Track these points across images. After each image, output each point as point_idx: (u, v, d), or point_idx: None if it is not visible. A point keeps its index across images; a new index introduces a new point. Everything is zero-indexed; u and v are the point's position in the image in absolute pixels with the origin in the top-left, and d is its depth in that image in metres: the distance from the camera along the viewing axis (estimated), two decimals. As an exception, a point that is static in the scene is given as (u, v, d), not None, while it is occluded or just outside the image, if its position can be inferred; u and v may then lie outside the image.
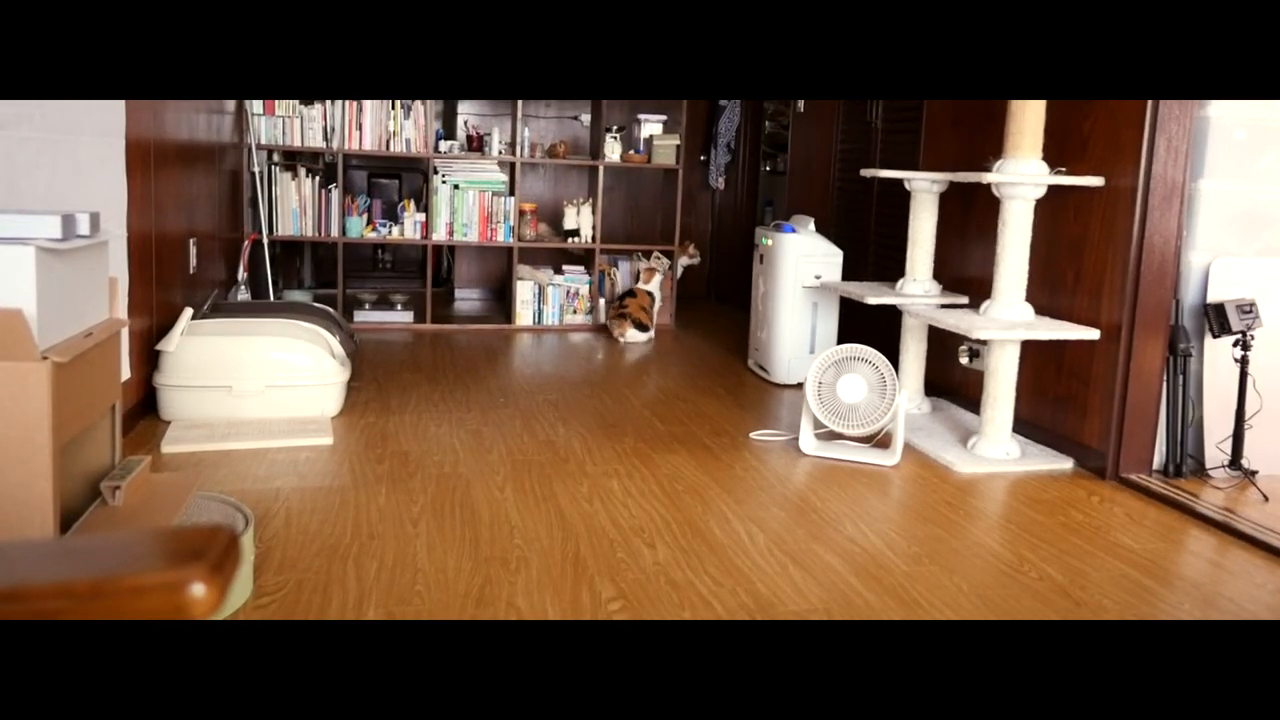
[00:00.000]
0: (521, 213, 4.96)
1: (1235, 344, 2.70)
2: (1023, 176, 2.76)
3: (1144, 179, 2.65)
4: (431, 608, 1.78)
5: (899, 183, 3.60)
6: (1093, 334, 2.75)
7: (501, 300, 5.51)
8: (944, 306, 3.21)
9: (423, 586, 1.87)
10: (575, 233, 5.06)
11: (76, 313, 1.62)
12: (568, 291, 5.03)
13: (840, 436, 2.94)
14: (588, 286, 5.05)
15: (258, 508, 2.23)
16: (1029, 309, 2.86)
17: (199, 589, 0.69)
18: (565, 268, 5.10)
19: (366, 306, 4.84)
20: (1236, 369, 2.71)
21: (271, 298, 4.32)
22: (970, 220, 3.43)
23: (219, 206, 3.94)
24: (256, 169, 4.45)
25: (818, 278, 3.79)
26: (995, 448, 2.84)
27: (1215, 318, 2.70)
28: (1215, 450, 2.76)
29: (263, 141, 4.53)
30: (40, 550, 0.77)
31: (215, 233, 3.85)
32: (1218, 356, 2.77)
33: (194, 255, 3.44)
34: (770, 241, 3.88)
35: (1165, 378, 2.74)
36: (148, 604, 0.69)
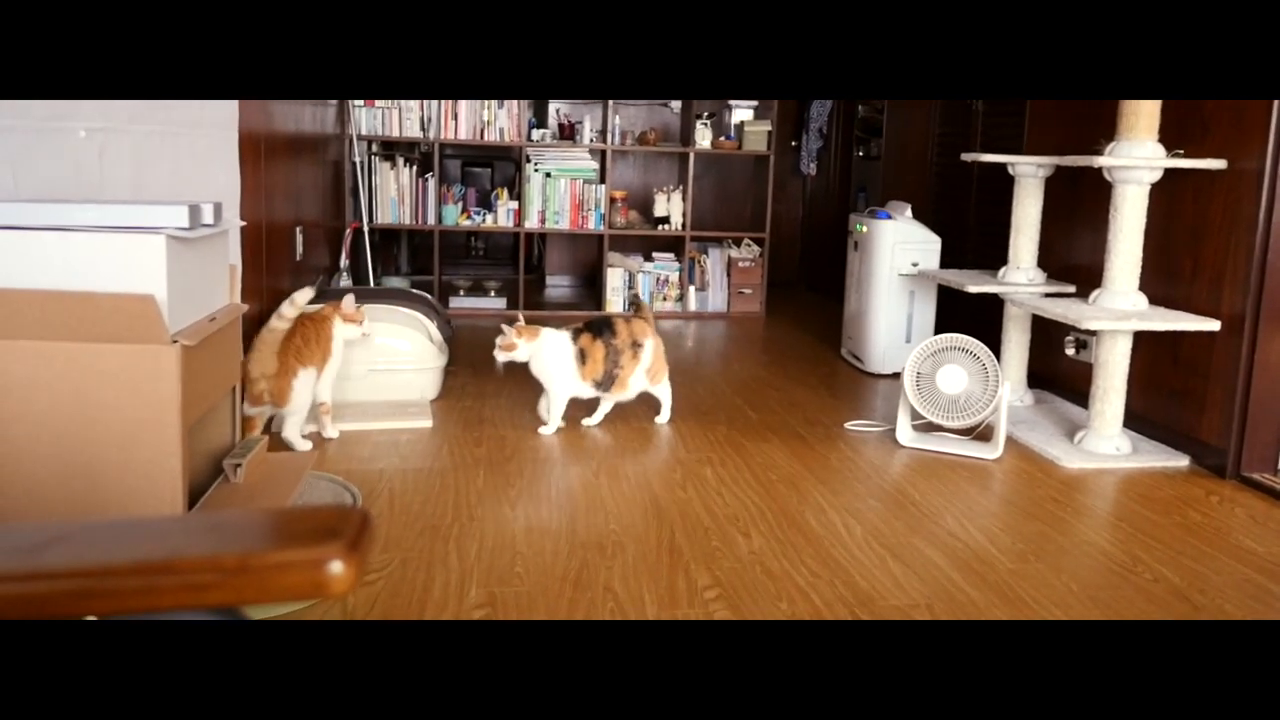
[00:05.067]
0: (612, 200, 4.98)
1: (1372, 337, 2.53)
2: (1138, 160, 2.64)
3: (1272, 161, 2.50)
4: (531, 589, 1.81)
5: (1001, 167, 3.48)
6: (1213, 325, 2.62)
7: (592, 287, 5.55)
8: (1049, 295, 3.10)
9: (522, 568, 1.91)
10: (665, 220, 5.06)
11: (202, 298, 1.69)
12: (657, 279, 5.03)
13: (939, 428, 2.87)
14: (677, 274, 5.05)
15: (362, 487, 2.31)
16: (1142, 298, 2.74)
17: (337, 566, 0.71)
18: (655, 255, 5.11)
19: (461, 293, 4.94)
20: (1373, 363, 2.54)
21: (372, 284, 4.45)
22: (1078, 206, 3.30)
23: (323, 196, 4.07)
24: (357, 159, 4.58)
25: (915, 265, 3.71)
26: (1105, 442, 2.73)
27: (1350, 309, 2.54)
28: (1347, 449, 2.60)
29: (363, 132, 4.66)
30: (187, 525, 0.81)
31: (320, 221, 3.98)
32: (1352, 350, 2.60)
33: (300, 243, 3.56)
34: (865, 228, 3.81)
35: (1292, 372, 2.59)
36: (290, 580, 0.72)
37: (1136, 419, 2.92)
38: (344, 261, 4.28)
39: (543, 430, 2.83)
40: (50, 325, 1.47)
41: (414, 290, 3.79)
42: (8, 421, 1.48)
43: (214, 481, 1.76)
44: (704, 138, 5.01)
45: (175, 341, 1.52)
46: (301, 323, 2.54)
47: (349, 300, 2.63)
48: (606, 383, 2.82)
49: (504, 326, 2.75)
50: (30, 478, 1.49)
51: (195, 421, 1.63)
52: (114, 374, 1.49)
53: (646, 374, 2.88)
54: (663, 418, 2.98)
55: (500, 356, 2.75)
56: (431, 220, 4.83)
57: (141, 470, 1.51)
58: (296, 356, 2.47)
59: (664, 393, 2.97)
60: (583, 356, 2.76)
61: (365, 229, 4.52)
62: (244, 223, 2.59)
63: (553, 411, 2.83)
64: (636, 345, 2.83)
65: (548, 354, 2.76)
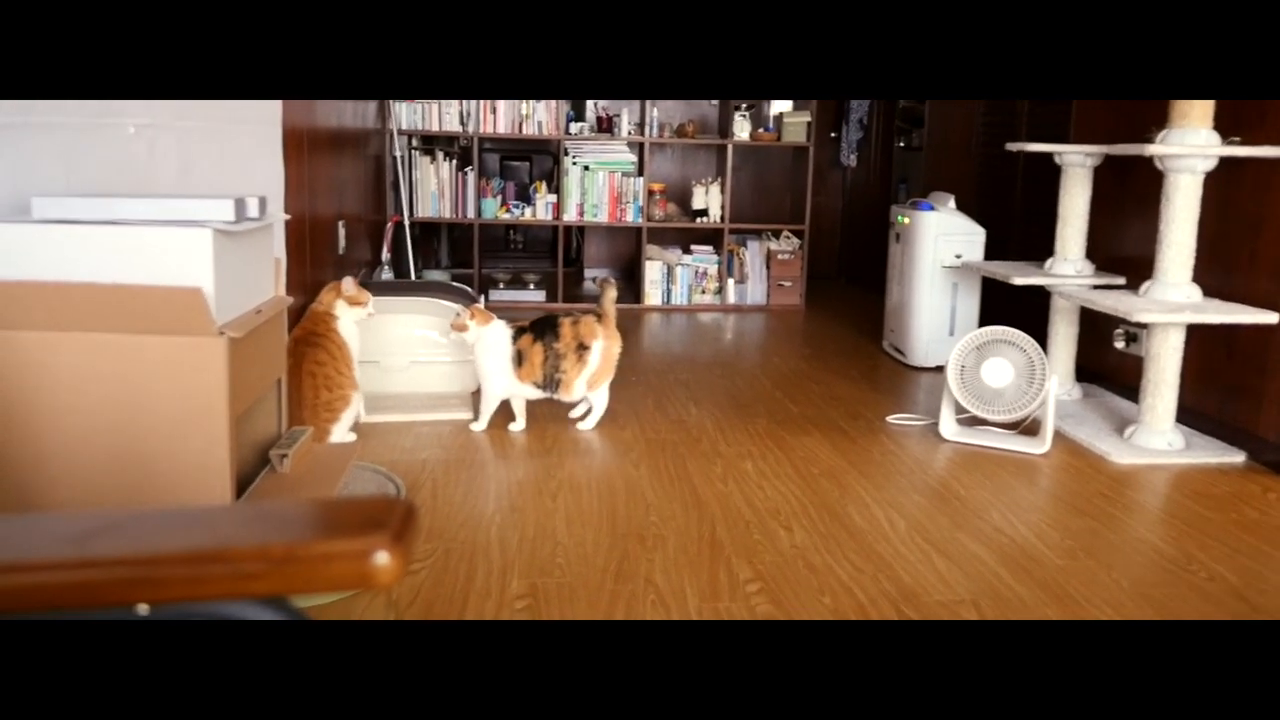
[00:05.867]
0: (650, 193, 4.97)
1: None
2: (1191, 148, 2.57)
3: (1335, 147, 2.41)
4: (572, 581, 1.81)
5: (1047, 157, 3.41)
6: (1270, 318, 2.54)
7: (630, 280, 5.55)
8: (1098, 287, 3.03)
9: (563, 559, 1.91)
10: (704, 212, 5.03)
11: (248, 291, 1.71)
12: (696, 271, 5.01)
13: (983, 422, 2.82)
14: (716, 266, 5.03)
15: (405, 478, 2.33)
16: (1196, 290, 2.66)
17: (383, 557, 0.71)
18: (694, 247, 5.09)
19: (501, 286, 4.96)
20: None
21: (413, 277, 4.49)
22: (1127, 195, 3.22)
23: (364, 190, 4.11)
24: (398, 153, 4.62)
25: (958, 257, 3.65)
26: (1156, 437, 2.67)
27: None
28: None
29: (403, 127, 4.69)
30: (235, 515, 0.82)
31: (362, 215, 4.02)
32: None
33: (343, 237, 3.60)
34: (907, 220, 3.76)
35: (1355, 365, 2.50)
36: (336, 570, 0.72)
37: (1189, 414, 2.84)
38: (385, 255, 4.31)
39: (473, 427, 2.74)
40: (101, 317, 1.50)
41: (454, 283, 3.81)
42: (60, 412, 1.51)
43: (261, 471, 1.78)
44: (742, 130, 4.98)
45: (222, 333, 1.54)
46: (319, 360, 2.38)
47: (348, 282, 2.50)
48: (550, 385, 2.71)
49: (460, 309, 2.72)
50: (81, 468, 1.52)
51: (242, 412, 1.66)
52: (163, 365, 1.51)
53: (588, 378, 2.74)
54: (587, 424, 2.79)
55: (452, 336, 2.76)
56: (471, 214, 4.86)
57: (190, 460, 1.53)
58: (328, 415, 2.39)
59: (600, 400, 2.80)
60: (519, 358, 2.67)
61: (406, 223, 4.55)
62: (288, 216, 2.62)
63: (483, 409, 2.74)
64: (583, 348, 2.69)
65: (486, 345, 2.68)
